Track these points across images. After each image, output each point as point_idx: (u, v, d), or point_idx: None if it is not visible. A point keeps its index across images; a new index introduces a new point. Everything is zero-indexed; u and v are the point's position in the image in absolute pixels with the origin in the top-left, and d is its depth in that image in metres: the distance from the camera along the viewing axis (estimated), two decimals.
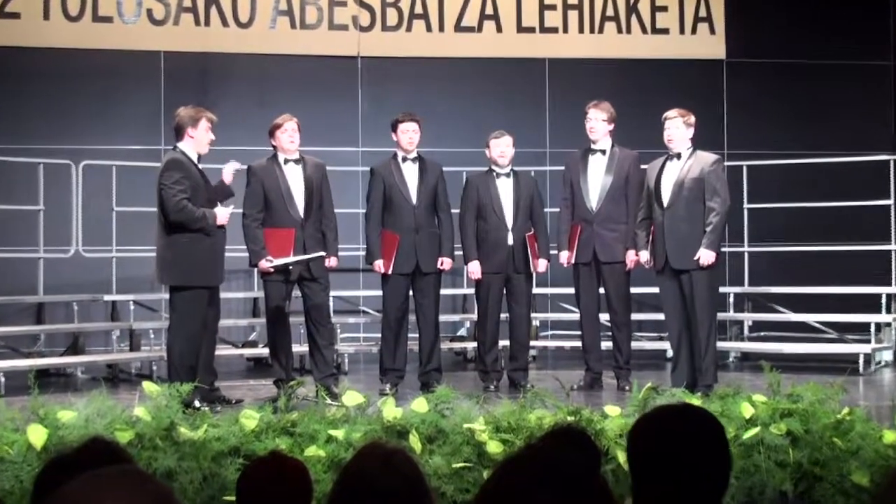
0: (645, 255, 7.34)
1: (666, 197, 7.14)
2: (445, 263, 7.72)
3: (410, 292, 7.74)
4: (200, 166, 6.90)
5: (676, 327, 7.17)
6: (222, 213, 6.81)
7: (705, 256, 6.99)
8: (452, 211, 7.86)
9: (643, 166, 7.82)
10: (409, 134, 7.67)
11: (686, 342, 7.11)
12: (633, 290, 7.99)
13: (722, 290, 8.99)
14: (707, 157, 7.13)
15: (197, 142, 6.83)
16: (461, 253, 7.92)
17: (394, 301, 7.66)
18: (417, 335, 7.81)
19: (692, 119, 7.22)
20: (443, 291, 8.22)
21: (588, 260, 7.73)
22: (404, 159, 7.73)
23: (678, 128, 7.18)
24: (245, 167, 7.32)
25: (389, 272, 7.61)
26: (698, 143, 7.35)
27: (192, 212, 6.66)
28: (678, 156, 7.18)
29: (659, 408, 2.59)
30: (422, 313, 7.72)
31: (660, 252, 7.16)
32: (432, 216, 7.75)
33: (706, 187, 7.05)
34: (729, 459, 2.48)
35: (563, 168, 8.08)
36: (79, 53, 10.60)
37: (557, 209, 8.12)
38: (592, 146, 7.81)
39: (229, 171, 7.12)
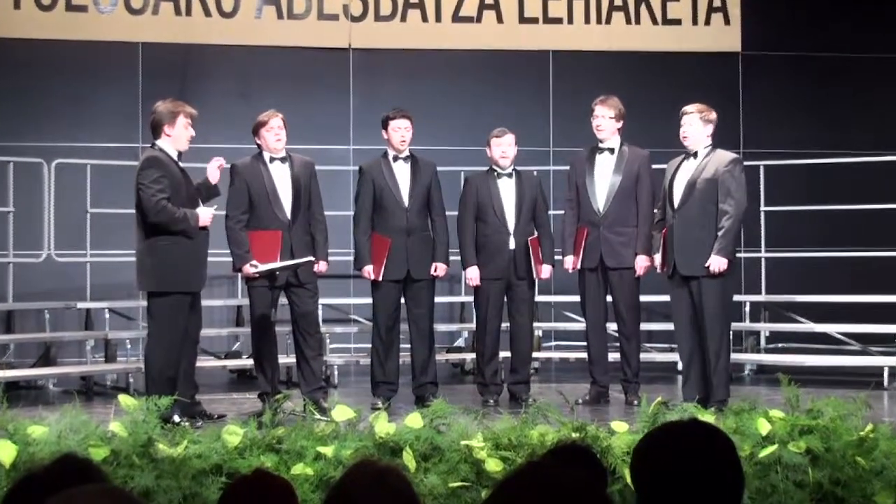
0: (658, 259, 7.36)
1: (677, 198, 7.15)
2: (439, 269, 7.73)
3: (403, 300, 7.75)
4: (181, 164, 6.90)
5: (687, 338, 7.17)
6: (205, 214, 6.81)
7: (716, 263, 6.99)
8: (448, 213, 7.86)
9: (655, 166, 7.83)
10: (400, 132, 7.68)
11: (698, 354, 7.12)
12: (643, 297, 8.00)
13: (737, 298, 9.00)
14: (724, 157, 7.13)
15: (175, 139, 6.83)
16: (458, 258, 7.92)
17: (384, 309, 7.66)
18: (409, 346, 7.81)
19: (712, 115, 7.20)
20: (439, 299, 8.23)
21: (594, 265, 7.73)
22: (395, 158, 7.73)
23: (694, 124, 7.18)
24: (228, 165, 7.32)
25: (380, 279, 7.62)
26: (716, 140, 7.32)
27: (173, 212, 6.66)
28: (695, 155, 7.19)
29: (666, 424, 2.60)
30: (414, 323, 7.73)
31: (670, 257, 7.18)
32: (425, 219, 7.76)
33: (720, 189, 7.04)
34: (741, 479, 2.48)
35: (567, 168, 8.09)
36: (51, 45, 10.61)
37: (562, 211, 8.13)
38: (600, 145, 7.82)
39: (214, 169, 7.11)
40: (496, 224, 7.80)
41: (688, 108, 7.24)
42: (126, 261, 8.38)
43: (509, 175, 7.88)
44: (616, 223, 7.70)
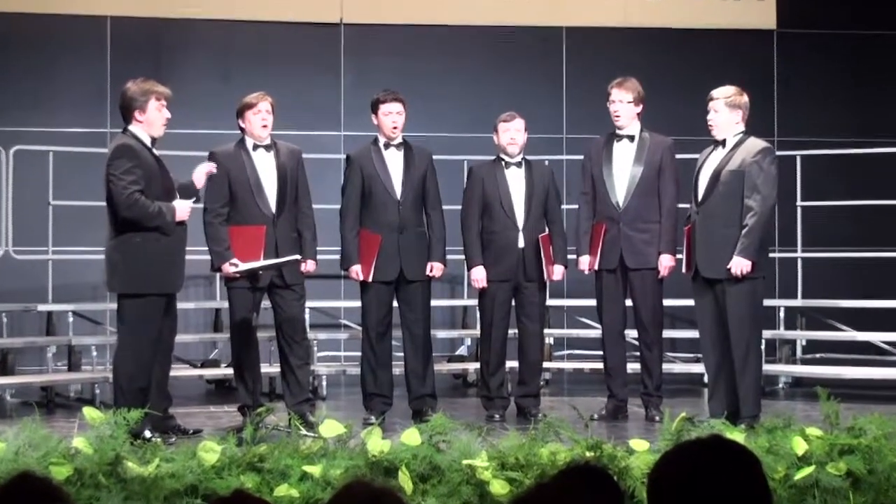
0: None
1: (701, 191, 7.15)
2: (435, 269, 7.72)
3: (396, 303, 7.76)
4: (156, 152, 6.89)
5: (713, 347, 7.16)
6: (182, 208, 6.82)
7: (737, 265, 6.96)
8: (445, 207, 7.85)
9: (679, 155, 7.83)
10: (391, 117, 7.66)
11: (726, 365, 7.11)
12: (667, 302, 8.00)
13: (769, 303, 9.00)
14: (753, 146, 7.10)
15: (149, 123, 6.83)
16: (461, 257, 7.93)
17: (375, 314, 7.66)
18: (402, 355, 7.81)
19: (741, 99, 7.16)
20: (440, 302, 8.24)
21: (613, 266, 7.73)
22: (387, 146, 7.73)
23: (720, 110, 7.16)
24: (202, 148, 7.30)
25: (369, 279, 7.63)
26: (748, 127, 7.30)
27: (147, 206, 6.66)
28: (723, 143, 7.17)
29: (685, 442, 2.60)
30: (408, 329, 7.73)
31: (694, 257, 7.17)
32: (420, 213, 7.76)
33: (746, 182, 7.02)
34: (769, 502, 2.48)
35: (581, 157, 8.09)
36: (10, 19, 10.61)
37: (576, 206, 8.13)
38: (618, 131, 7.82)
39: (202, 175, 7.09)
40: (503, 219, 7.80)
41: (714, 93, 7.22)
42: (93, 258, 8.40)
43: (518, 165, 7.88)
44: (637, 219, 7.69)
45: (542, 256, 7.80)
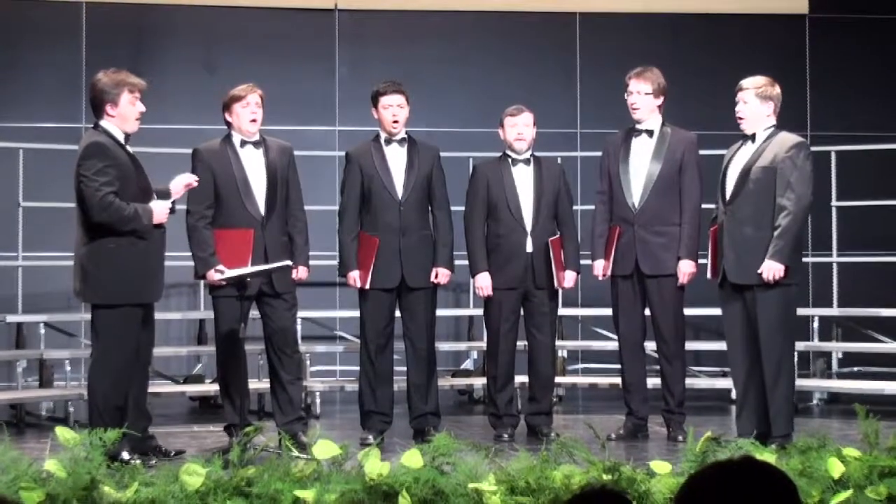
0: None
1: (729, 191, 7.14)
2: (441, 276, 7.72)
3: (398, 313, 7.76)
4: (130, 149, 6.89)
5: (742, 360, 7.15)
6: (160, 209, 6.81)
7: (769, 269, 6.95)
8: (455, 208, 7.86)
9: (703, 151, 7.82)
10: (391, 110, 7.67)
11: (756, 379, 7.11)
12: (689, 311, 7.99)
13: (803, 312, 8.98)
14: (785, 141, 7.10)
15: (121, 118, 6.82)
16: (466, 262, 7.93)
17: (374, 325, 7.66)
18: (405, 369, 7.81)
19: (773, 91, 7.16)
20: (443, 312, 8.23)
21: (628, 272, 7.73)
22: (388, 142, 7.74)
23: (750, 102, 7.16)
24: (186, 145, 7.29)
25: (367, 286, 7.63)
26: (778, 121, 7.30)
27: (122, 209, 6.65)
28: (753, 138, 7.17)
29: (713, 464, 2.60)
30: (410, 341, 7.73)
31: (720, 261, 7.16)
32: (424, 215, 7.76)
33: (778, 179, 7.02)
34: None
35: (598, 154, 8.08)
36: None
37: (589, 207, 8.13)
38: (637, 126, 7.82)
39: (181, 187, 7.05)
40: (510, 222, 7.80)
41: (744, 83, 7.22)
42: (66, 265, 8.37)
43: (526, 162, 7.88)
44: (654, 221, 7.69)
45: (552, 262, 7.79)
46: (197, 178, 7.14)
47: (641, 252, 7.68)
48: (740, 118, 7.19)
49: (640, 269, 7.69)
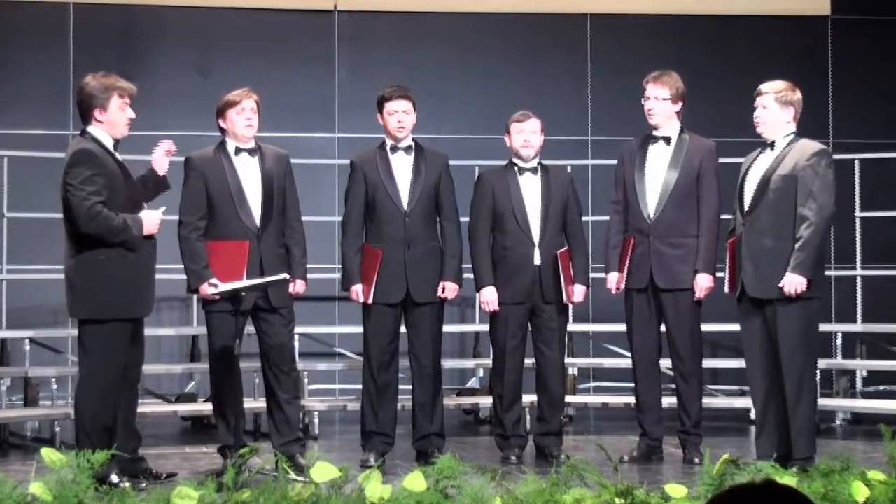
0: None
1: (747, 201, 7.14)
2: (448, 290, 7.72)
3: (402, 329, 7.75)
4: (119, 156, 6.89)
5: (761, 378, 7.15)
6: (151, 219, 6.81)
7: (791, 282, 6.95)
8: (461, 219, 7.86)
9: (722, 160, 7.81)
10: (396, 116, 7.68)
11: (776, 399, 7.10)
12: (707, 327, 7.98)
13: (825, 328, 8.97)
14: (806, 149, 7.10)
15: (110, 124, 6.82)
16: (471, 276, 7.93)
17: (378, 341, 7.66)
18: (411, 387, 7.81)
19: (793, 96, 7.16)
20: (449, 328, 8.24)
21: (642, 285, 7.72)
22: (394, 149, 7.74)
23: (769, 107, 7.16)
24: (179, 154, 7.29)
25: (370, 301, 7.63)
26: (799, 128, 7.30)
27: (110, 220, 6.65)
28: (772, 146, 7.17)
29: (733, 487, 2.59)
30: (416, 358, 7.73)
31: (738, 274, 7.16)
32: (431, 226, 7.76)
33: (799, 188, 7.01)
34: None
35: (609, 162, 8.08)
36: None
37: (599, 217, 8.13)
38: (653, 132, 7.82)
39: (161, 155, 7.07)
40: (517, 233, 7.80)
41: (763, 87, 7.23)
42: (52, 279, 8.39)
43: (533, 170, 7.88)
44: (670, 232, 7.69)
45: (561, 275, 7.79)
46: (171, 142, 7.09)
47: (657, 265, 7.68)
48: (759, 124, 7.19)
49: (655, 283, 7.69)
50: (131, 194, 6.85)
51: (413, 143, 7.77)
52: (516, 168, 7.88)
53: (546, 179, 7.88)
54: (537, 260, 7.78)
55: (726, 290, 7.31)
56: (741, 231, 7.15)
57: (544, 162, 7.96)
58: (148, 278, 6.89)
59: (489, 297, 7.79)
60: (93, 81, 6.84)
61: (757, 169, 7.17)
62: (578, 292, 7.85)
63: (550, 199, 7.84)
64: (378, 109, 7.75)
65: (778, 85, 7.21)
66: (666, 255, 7.68)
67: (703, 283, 7.64)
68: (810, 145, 7.13)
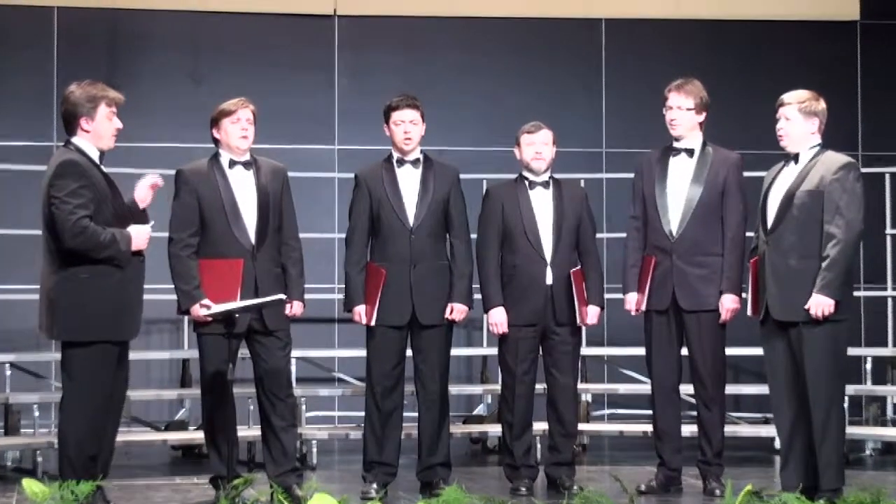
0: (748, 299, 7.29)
1: (770, 218, 7.13)
2: (457, 312, 7.71)
3: (408, 352, 7.75)
4: (105, 169, 6.89)
5: (786, 405, 7.13)
6: (139, 234, 6.80)
7: (818, 304, 6.93)
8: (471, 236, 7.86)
9: (747, 174, 7.81)
10: (403, 126, 7.68)
11: (802, 427, 7.09)
12: (730, 351, 7.98)
13: (854, 352, 8.96)
14: (833, 162, 7.10)
15: (96, 135, 6.82)
16: (479, 296, 7.92)
17: (381, 366, 7.65)
18: (416, 414, 7.81)
19: (818, 106, 7.16)
20: (456, 352, 8.20)
21: (664, 307, 7.71)
22: (401, 162, 7.75)
23: (793, 118, 7.16)
24: (168, 165, 7.30)
25: (372, 323, 7.63)
26: (825, 139, 7.30)
27: (97, 235, 6.63)
28: (796, 159, 7.17)
29: None
30: (421, 383, 7.72)
31: (761, 296, 7.15)
32: (440, 244, 7.75)
33: (826, 204, 7.01)
34: None
35: (625, 176, 8.07)
36: None
37: (615, 234, 8.12)
38: (675, 144, 7.82)
39: (145, 188, 7.01)
40: (528, 251, 7.79)
41: (785, 98, 7.23)
42: (34, 299, 8.38)
43: (545, 184, 7.88)
44: (694, 250, 7.67)
45: (573, 295, 7.79)
46: (159, 177, 7.02)
47: (680, 285, 7.66)
48: (781, 136, 7.18)
49: (678, 304, 7.68)
50: (118, 209, 6.84)
51: (421, 156, 7.77)
52: (527, 182, 7.88)
53: (558, 194, 7.88)
54: (549, 279, 7.77)
55: (749, 313, 7.30)
56: (764, 250, 7.14)
57: (556, 175, 7.97)
58: (136, 298, 6.86)
59: (498, 319, 7.78)
60: (78, 90, 6.84)
61: (780, 184, 7.16)
62: (592, 314, 7.84)
63: (563, 214, 7.83)
64: (384, 120, 7.74)
65: (801, 94, 7.20)
66: (689, 274, 7.66)
67: (728, 304, 7.62)
68: (837, 158, 7.12)
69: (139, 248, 6.79)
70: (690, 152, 7.77)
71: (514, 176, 7.98)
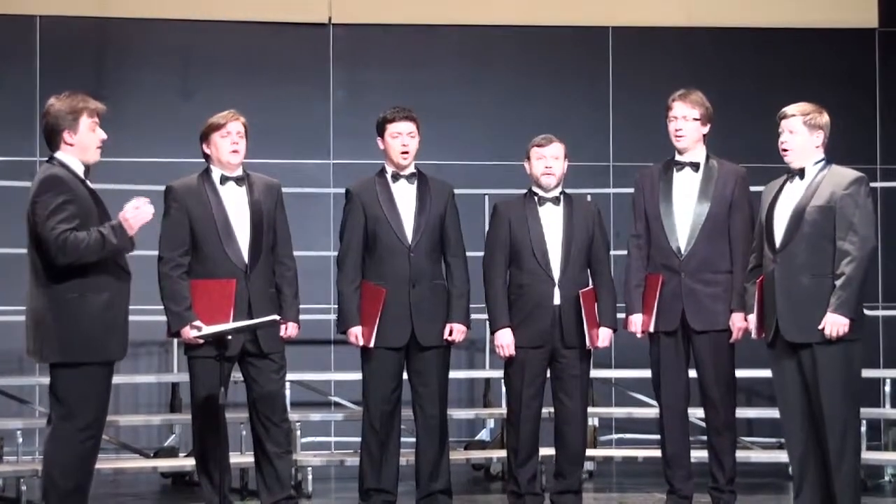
0: (753, 321, 7.32)
1: (778, 235, 7.16)
2: (455, 332, 7.76)
3: (405, 375, 7.80)
4: (90, 184, 6.88)
5: (799, 430, 7.14)
6: (136, 214, 6.59)
7: (833, 323, 6.96)
8: (469, 254, 7.91)
9: (753, 188, 7.85)
10: (400, 139, 7.73)
11: (815, 452, 7.12)
12: (742, 373, 8.00)
13: (870, 374, 8.99)
14: (842, 177, 7.12)
15: (80, 148, 6.79)
16: (483, 317, 7.96)
17: (379, 389, 7.69)
18: (415, 440, 7.84)
19: (821, 119, 7.19)
20: (457, 374, 8.23)
21: (673, 327, 7.74)
22: (396, 177, 7.80)
23: (797, 131, 7.19)
24: (158, 181, 7.30)
25: (371, 344, 7.68)
26: (838, 153, 7.33)
27: (79, 241, 6.47)
28: (801, 173, 7.21)
29: None
30: (420, 407, 7.76)
31: (769, 316, 7.17)
32: (437, 263, 7.79)
33: (838, 220, 7.03)
34: None
35: (632, 190, 8.09)
36: None
37: (621, 252, 8.13)
38: (678, 157, 7.86)
39: (132, 214, 6.76)
40: (536, 270, 7.82)
41: (788, 110, 7.22)
42: (17, 321, 8.42)
43: (555, 201, 7.91)
44: (703, 268, 7.70)
45: (583, 317, 7.82)
46: (148, 200, 6.76)
47: (690, 305, 7.69)
48: (786, 151, 7.18)
49: (688, 324, 7.71)
50: (103, 223, 6.80)
51: (416, 171, 7.82)
52: (536, 198, 7.90)
53: (569, 210, 7.89)
54: (557, 300, 7.78)
55: (753, 335, 7.32)
56: (772, 268, 7.15)
57: (566, 191, 7.99)
58: (121, 317, 6.76)
59: (505, 341, 7.81)
60: (58, 103, 6.83)
61: (787, 200, 7.17)
62: (604, 336, 7.85)
63: (573, 232, 7.84)
64: (378, 133, 7.77)
65: (805, 107, 7.21)
66: (699, 293, 7.69)
67: (739, 322, 7.63)
68: (846, 173, 7.14)
69: (141, 223, 6.54)
70: (695, 166, 7.80)
71: (522, 191, 7.98)
